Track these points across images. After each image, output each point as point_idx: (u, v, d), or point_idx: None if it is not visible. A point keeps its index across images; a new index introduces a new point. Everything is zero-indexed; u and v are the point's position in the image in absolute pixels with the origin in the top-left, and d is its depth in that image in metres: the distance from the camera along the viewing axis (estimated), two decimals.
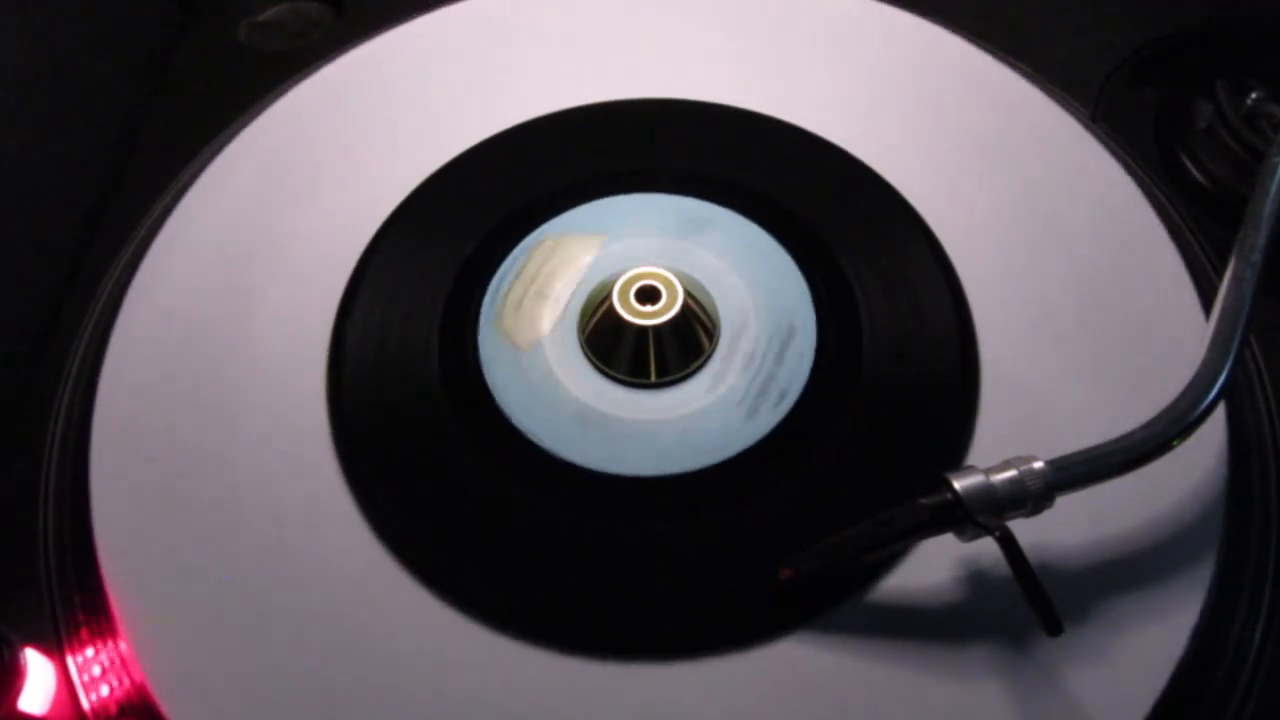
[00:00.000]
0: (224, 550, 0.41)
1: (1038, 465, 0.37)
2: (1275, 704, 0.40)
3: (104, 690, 0.40)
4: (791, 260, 0.47)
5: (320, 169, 0.51)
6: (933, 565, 0.40)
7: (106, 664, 0.40)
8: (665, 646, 0.39)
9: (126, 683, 0.39)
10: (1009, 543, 0.36)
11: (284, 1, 0.61)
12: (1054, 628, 0.35)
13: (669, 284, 0.45)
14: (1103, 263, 0.47)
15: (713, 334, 0.46)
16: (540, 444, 0.43)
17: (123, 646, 0.39)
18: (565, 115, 0.52)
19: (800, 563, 0.38)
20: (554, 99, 0.53)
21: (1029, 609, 0.36)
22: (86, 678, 0.40)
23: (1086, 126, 0.51)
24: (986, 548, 0.36)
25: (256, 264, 0.48)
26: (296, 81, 0.55)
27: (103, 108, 0.56)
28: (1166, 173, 0.52)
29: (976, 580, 0.39)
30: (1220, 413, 0.42)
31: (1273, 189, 0.43)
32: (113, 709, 0.40)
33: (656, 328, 0.44)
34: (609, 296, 0.45)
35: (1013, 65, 0.54)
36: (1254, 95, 0.51)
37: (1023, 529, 0.36)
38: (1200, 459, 0.41)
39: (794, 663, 0.38)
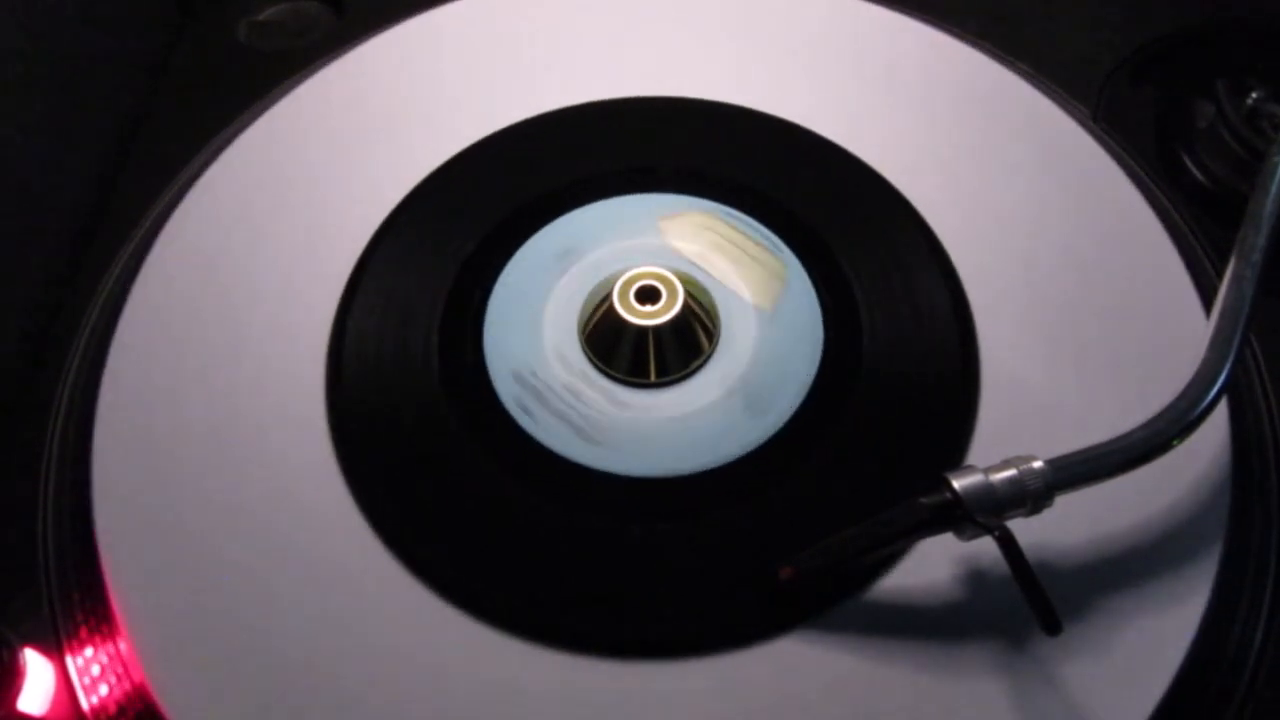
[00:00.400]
0: (224, 550, 0.41)
1: (1037, 465, 0.37)
2: (1276, 705, 0.40)
3: (103, 690, 0.40)
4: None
5: (320, 168, 0.51)
6: (932, 565, 0.40)
7: (106, 664, 0.40)
8: (665, 646, 0.39)
9: (126, 683, 0.39)
10: (1008, 542, 0.36)
11: (283, 1, 0.61)
12: (1053, 627, 0.35)
13: (669, 284, 0.45)
14: (1103, 262, 0.47)
15: (713, 334, 0.46)
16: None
17: (122, 646, 0.39)
18: (565, 114, 0.52)
19: (800, 562, 0.38)
20: (553, 98, 0.53)
21: (1028, 608, 0.36)
22: (86, 678, 0.40)
23: (1087, 126, 0.51)
24: (985, 547, 0.36)
25: (256, 264, 0.48)
26: (296, 81, 0.55)
27: (102, 108, 0.56)
28: (1167, 172, 0.52)
29: (975, 579, 0.39)
30: (1221, 412, 0.42)
31: (1273, 189, 0.43)
32: (112, 709, 0.39)
33: (656, 328, 0.44)
34: (609, 296, 0.45)
35: (1013, 65, 0.54)
36: (1254, 95, 0.51)
37: (1023, 528, 0.36)
38: (1200, 459, 0.41)
39: (794, 662, 0.38)
